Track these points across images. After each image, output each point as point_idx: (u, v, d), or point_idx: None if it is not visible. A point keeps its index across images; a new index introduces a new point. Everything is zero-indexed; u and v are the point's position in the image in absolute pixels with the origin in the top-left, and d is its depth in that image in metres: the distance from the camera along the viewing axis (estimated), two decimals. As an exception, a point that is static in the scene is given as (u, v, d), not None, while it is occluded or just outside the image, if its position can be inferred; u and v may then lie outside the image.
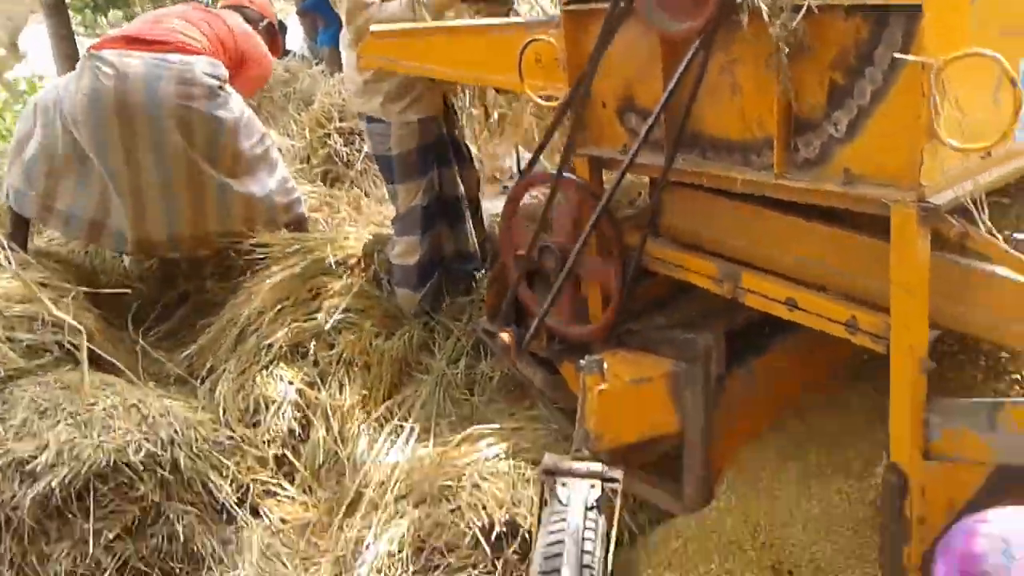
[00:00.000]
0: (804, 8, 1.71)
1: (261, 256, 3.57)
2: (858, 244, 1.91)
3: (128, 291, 3.72)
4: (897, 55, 1.64)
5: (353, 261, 3.47)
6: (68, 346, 3.03)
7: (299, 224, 3.84)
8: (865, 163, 1.77)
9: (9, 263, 3.17)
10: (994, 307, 1.74)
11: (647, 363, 2.32)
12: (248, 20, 3.99)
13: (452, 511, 2.44)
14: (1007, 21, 1.77)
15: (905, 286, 1.73)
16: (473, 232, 3.35)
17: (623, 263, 2.29)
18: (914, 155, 1.67)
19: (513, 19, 2.48)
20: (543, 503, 1.87)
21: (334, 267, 3.40)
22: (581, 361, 2.25)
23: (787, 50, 1.75)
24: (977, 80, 1.73)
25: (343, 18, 3.00)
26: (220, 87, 3.54)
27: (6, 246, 3.27)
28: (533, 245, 2.47)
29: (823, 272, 1.99)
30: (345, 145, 4.67)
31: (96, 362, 3.07)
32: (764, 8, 1.75)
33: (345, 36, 3.06)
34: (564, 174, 2.30)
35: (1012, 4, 1.78)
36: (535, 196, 2.59)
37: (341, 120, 4.75)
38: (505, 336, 2.64)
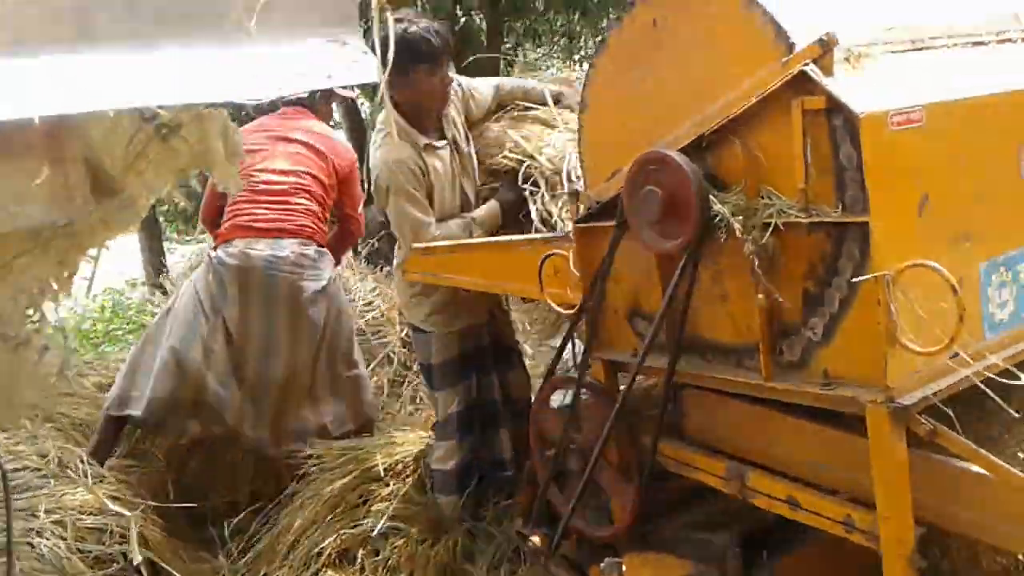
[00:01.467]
0: (771, 227, 2.00)
1: (314, 464, 3.88)
2: (851, 443, 2.06)
3: (195, 505, 4.04)
4: (849, 280, 1.88)
5: (401, 467, 3.73)
6: (131, 557, 3.33)
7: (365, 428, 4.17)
8: (841, 365, 1.97)
9: (85, 476, 3.58)
10: (978, 506, 1.84)
11: (667, 565, 2.43)
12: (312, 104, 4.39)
13: None
14: (960, 228, 1.99)
15: (886, 483, 1.86)
16: (509, 438, 3.56)
17: (640, 464, 2.47)
18: (879, 359, 1.86)
19: (534, 236, 2.83)
20: None
21: (383, 474, 3.65)
22: (601, 564, 2.38)
23: (759, 263, 2.02)
24: (940, 287, 1.95)
25: (402, 240, 3.43)
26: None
27: (85, 460, 3.70)
28: (561, 446, 2.68)
29: (823, 471, 2.13)
30: (403, 347, 5.06)
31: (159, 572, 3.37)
32: (737, 227, 2.04)
33: (398, 254, 3.50)
34: (584, 378, 2.55)
35: (964, 212, 2.01)
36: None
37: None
38: (536, 539, 2.79)
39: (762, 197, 2.04)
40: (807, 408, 2.13)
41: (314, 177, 4.13)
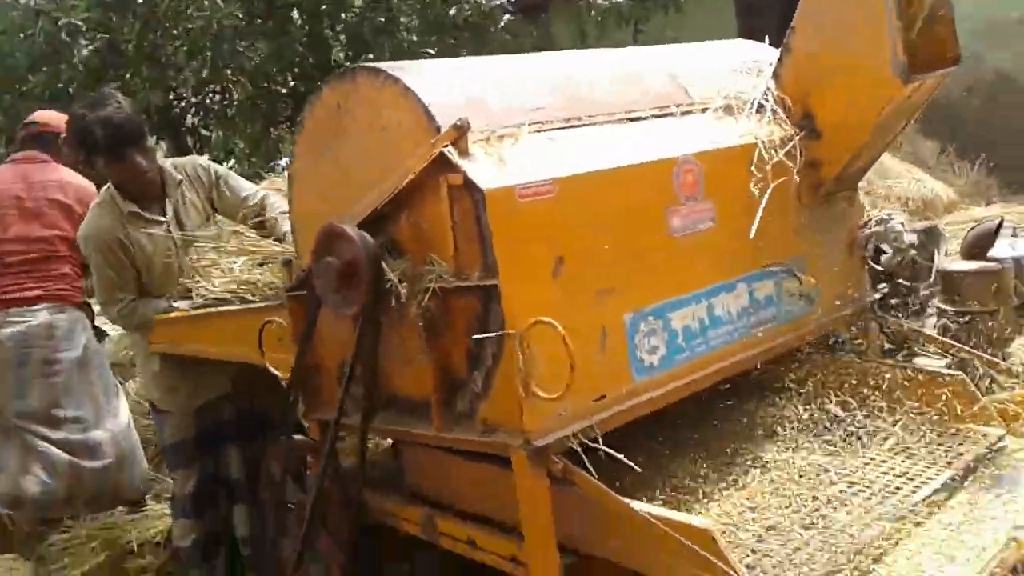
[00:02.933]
0: (429, 291, 2.23)
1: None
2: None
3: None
4: (479, 335, 2.12)
5: (161, 539, 3.77)
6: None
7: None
8: (495, 414, 2.20)
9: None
10: (618, 535, 2.08)
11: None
12: (51, 145, 4.31)
13: None
14: (602, 285, 2.27)
15: (530, 517, 2.09)
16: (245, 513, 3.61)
17: (343, 522, 2.62)
18: (516, 407, 2.10)
19: (254, 304, 2.99)
20: None
21: (136, 549, 3.68)
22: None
23: (425, 325, 2.25)
24: (586, 336, 2.21)
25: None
26: None
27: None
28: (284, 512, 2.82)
29: (502, 511, 2.34)
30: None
31: None
32: (403, 292, 2.26)
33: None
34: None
35: (605, 270, 2.28)
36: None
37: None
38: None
39: (427, 264, 2.27)
40: (491, 455, 2.34)
41: (63, 238, 4.18)
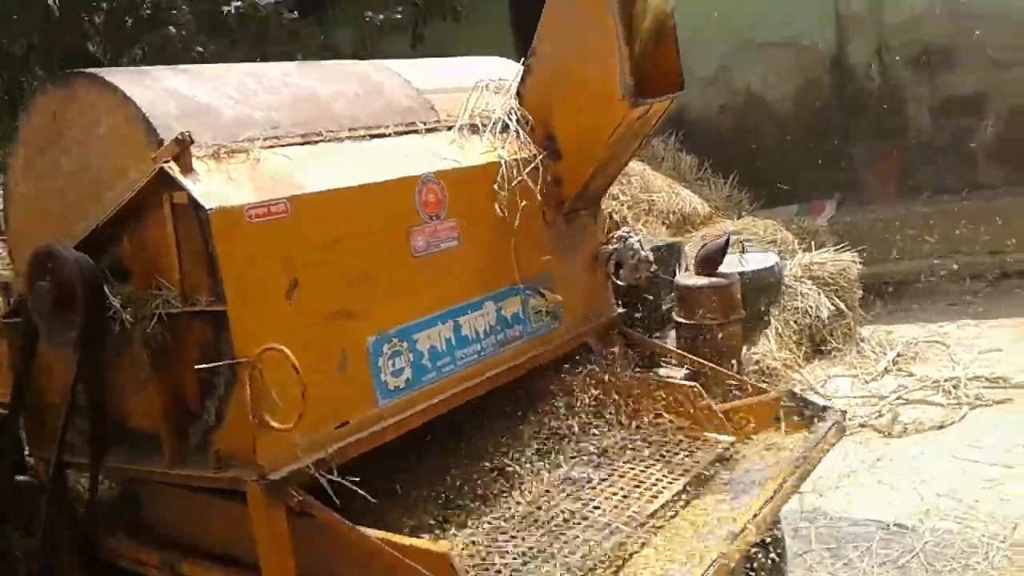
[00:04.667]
0: (155, 317, 2.11)
1: None
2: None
3: None
4: (205, 365, 2.04)
5: None
6: None
7: None
8: (229, 446, 2.11)
9: None
10: (363, 569, 2.06)
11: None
12: None
13: None
14: (340, 307, 2.24)
15: (267, 551, 2.03)
16: None
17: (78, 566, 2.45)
18: (250, 439, 2.03)
19: None
20: None
21: None
22: None
23: (153, 353, 2.13)
24: (324, 361, 2.17)
25: None
26: None
27: None
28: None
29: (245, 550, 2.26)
30: None
31: None
32: (127, 318, 2.13)
33: None
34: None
35: (344, 292, 2.26)
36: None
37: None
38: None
39: (154, 288, 2.16)
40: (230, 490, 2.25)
41: None
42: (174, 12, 8.35)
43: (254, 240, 2.08)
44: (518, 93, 2.92)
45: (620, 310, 3.16)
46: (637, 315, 3.25)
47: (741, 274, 3.33)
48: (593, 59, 2.71)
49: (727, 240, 3.18)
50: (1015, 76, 6.64)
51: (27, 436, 2.54)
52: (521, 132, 2.85)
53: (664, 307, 3.27)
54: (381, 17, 7.55)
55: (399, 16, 7.59)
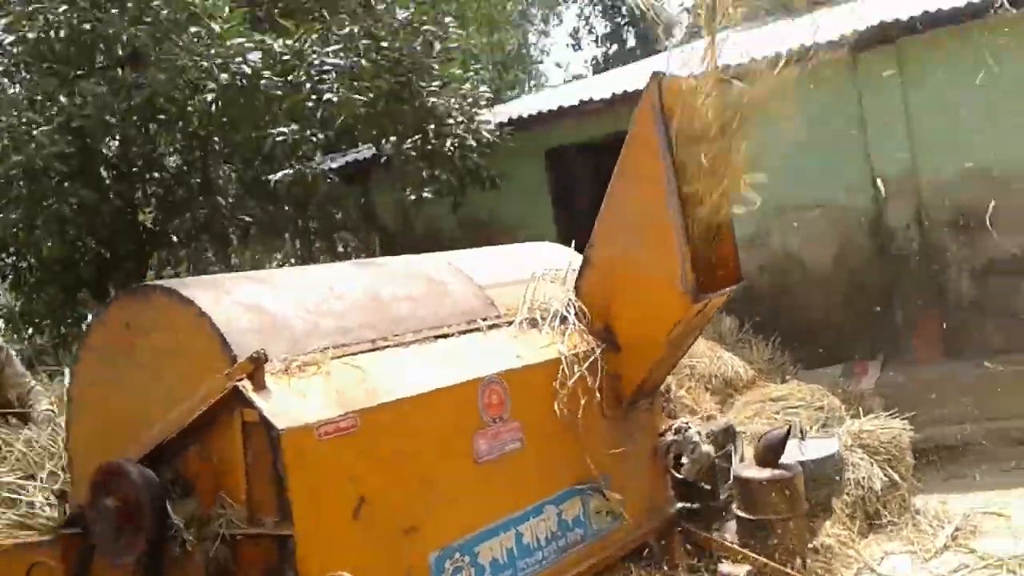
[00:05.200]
0: (219, 538, 2.08)
1: None
2: None
3: None
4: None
5: None
6: None
7: None
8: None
9: None
10: None
11: None
12: None
13: None
14: (405, 523, 2.20)
15: None
16: None
17: None
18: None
19: (19, 540, 2.68)
20: None
21: None
22: None
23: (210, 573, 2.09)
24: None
25: None
26: None
27: None
28: None
29: None
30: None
31: None
32: (189, 538, 2.10)
33: None
34: None
35: (408, 507, 2.22)
36: None
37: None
38: None
39: (218, 505, 2.14)
40: None
41: None
42: (221, 181, 8.73)
43: (323, 458, 2.07)
44: (576, 286, 2.95)
45: (678, 504, 3.08)
46: (695, 506, 3.15)
47: (802, 463, 3.25)
48: (653, 254, 2.75)
49: (788, 430, 3.12)
50: (1055, 237, 6.68)
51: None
52: (580, 325, 2.86)
53: (722, 497, 3.18)
54: (416, 195, 7.84)
55: (431, 195, 7.86)
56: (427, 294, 2.76)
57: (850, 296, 7.37)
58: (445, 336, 2.63)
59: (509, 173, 8.42)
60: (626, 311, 2.88)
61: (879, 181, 7.08)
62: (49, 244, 7.97)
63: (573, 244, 3.39)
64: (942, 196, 7.02)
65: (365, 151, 9.67)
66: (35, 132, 6.59)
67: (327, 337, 2.34)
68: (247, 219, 8.28)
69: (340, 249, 10.47)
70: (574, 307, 2.92)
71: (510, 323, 2.82)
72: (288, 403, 2.08)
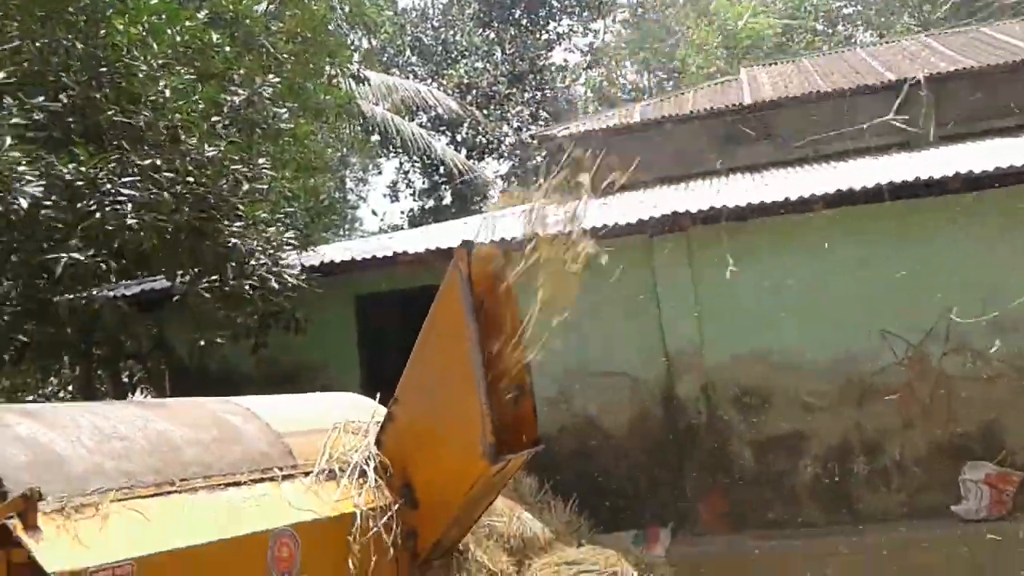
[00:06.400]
0: None
1: None
2: None
3: None
4: None
5: None
6: None
7: None
8: None
9: None
10: None
11: None
12: None
13: None
14: None
15: None
16: None
17: None
18: None
19: None
20: None
21: None
22: None
23: None
24: None
25: None
26: None
27: None
28: None
29: None
30: None
31: None
32: None
33: None
34: None
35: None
36: None
37: None
38: None
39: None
40: None
41: None
42: (-3, 297, 8.20)
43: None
44: (378, 440, 3.02)
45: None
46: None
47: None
48: (455, 413, 2.89)
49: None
50: (825, 420, 7.42)
51: None
52: (378, 480, 2.92)
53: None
54: (208, 340, 7.64)
55: (223, 342, 7.69)
56: (219, 439, 2.74)
57: (644, 462, 7.81)
58: (237, 484, 2.60)
59: (316, 316, 8.44)
60: (426, 468, 2.97)
61: (669, 355, 7.71)
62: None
63: (379, 394, 3.47)
64: (726, 374, 7.70)
65: (160, 280, 9.42)
66: None
67: (108, 479, 2.28)
68: (23, 339, 7.75)
69: (125, 379, 9.93)
70: (374, 460, 2.98)
71: (307, 473, 2.83)
72: (61, 545, 2.00)
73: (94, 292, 7.56)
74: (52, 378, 10.63)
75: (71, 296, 7.51)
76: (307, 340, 8.61)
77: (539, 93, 24.53)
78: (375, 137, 20.49)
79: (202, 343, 7.64)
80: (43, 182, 5.92)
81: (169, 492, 2.39)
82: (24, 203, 5.75)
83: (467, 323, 2.88)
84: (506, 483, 3.10)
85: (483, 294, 3.00)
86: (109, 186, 6.37)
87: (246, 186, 7.30)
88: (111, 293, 8.11)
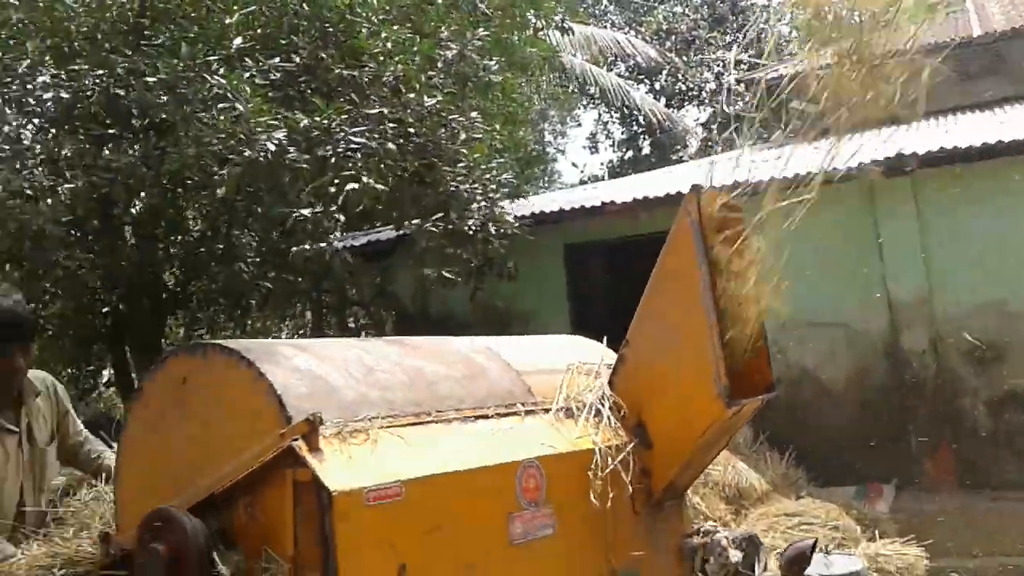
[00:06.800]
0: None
1: None
2: None
3: None
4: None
5: None
6: None
7: None
8: None
9: None
10: None
11: None
12: None
13: None
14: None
15: None
16: None
17: None
18: None
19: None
20: None
21: None
22: None
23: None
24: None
25: None
26: None
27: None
28: None
29: None
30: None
31: None
32: (231, 591, 2.18)
33: None
34: None
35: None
36: None
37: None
38: None
39: (263, 560, 2.22)
40: None
41: None
42: (241, 248, 8.96)
43: (370, 523, 2.16)
44: (611, 380, 3.08)
45: (700, 608, 3.14)
46: (713, 611, 3.20)
47: (827, 578, 3.32)
48: (688, 356, 2.89)
49: (815, 544, 3.20)
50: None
51: None
52: (613, 419, 2.98)
53: (742, 605, 3.23)
54: (437, 274, 8.00)
55: (452, 277, 8.03)
56: (467, 375, 2.89)
57: (865, 417, 7.51)
58: (485, 417, 2.75)
59: (526, 265, 8.64)
60: (659, 410, 2.99)
61: (893, 305, 7.33)
62: (58, 301, 8.09)
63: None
64: (958, 326, 7.23)
65: (385, 232, 9.93)
66: (60, 190, 6.80)
67: (375, 407, 2.46)
68: (267, 286, 8.46)
69: (351, 325, 10.62)
70: (608, 400, 3.04)
71: (546, 410, 2.94)
72: (339, 467, 2.19)
73: (324, 245, 8.10)
74: (287, 322, 11.52)
75: (305, 248, 8.09)
76: (518, 288, 8.85)
77: (741, 36, 23.60)
78: (574, 88, 20.51)
79: (432, 275, 7.99)
80: (284, 131, 6.38)
81: (427, 422, 2.56)
82: (272, 147, 6.22)
83: (698, 266, 2.86)
84: (740, 428, 3.09)
85: (712, 238, 2.97)
86: (341, 136, 6.80)
87: (463, 135, 7.56)
88: (339, 245, 8.66)
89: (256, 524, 2.27)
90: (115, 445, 3.30)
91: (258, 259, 8.82)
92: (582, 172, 25.74)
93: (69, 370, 8.75)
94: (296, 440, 2.18)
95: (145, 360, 8.79)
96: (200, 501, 2.33)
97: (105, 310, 8.29)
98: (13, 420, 3.24)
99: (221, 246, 8.68)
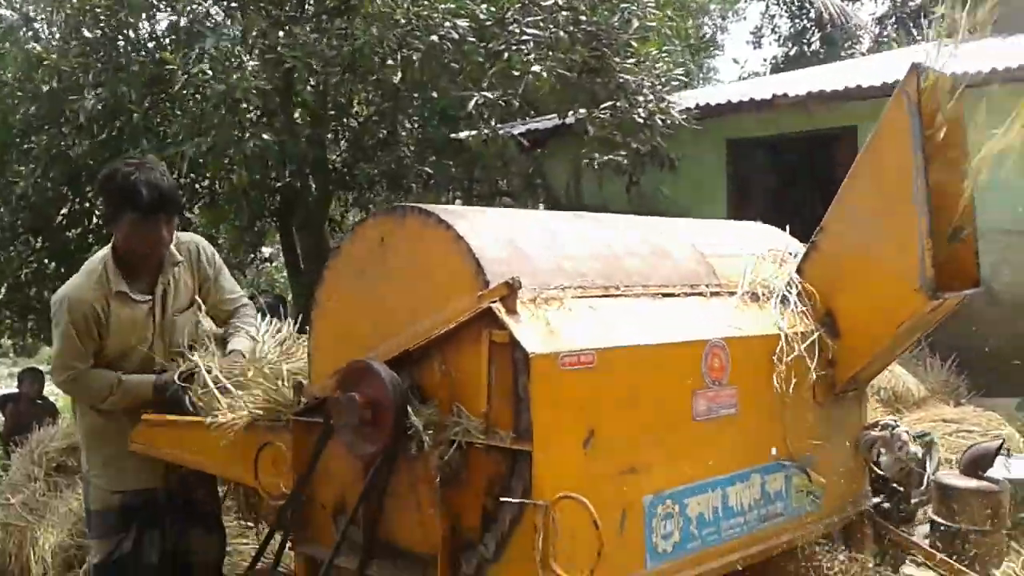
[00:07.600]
0: (455, 444, 2.19)
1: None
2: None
3: None
4: (506, 499, 2.08)
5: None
6: None
7: None
8: (506, 584, 2.13)
9: None
10: None
11: None
12: None
13: None
14: (627, 462, 2.26)
15: None
16: None
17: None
18: (532, 584, 2.04)
19: (256, 422, 2.86)
20: None
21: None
22: None
23: (443, 478, 2.20)
24: (608, 516, 2.17)
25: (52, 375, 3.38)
26: None
27: None
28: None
29: None
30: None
31: None
32: (427, 441, 2.22)
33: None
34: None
35: (631, 447, 2.28)
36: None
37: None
38: None
39: (453, 414, 2.25)
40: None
41: None
42: (405, 133, 9.02)
43: (563, 387, 2.14)
44: (800, 268, 2.92)
45: (874, 500, 3.02)
46: (885, 505, 3.08)
47: (1012, 481, 3.12)
48: (891, 247, 2.70)
49: (1001, 444, 3.01)
50: None
51: (293, 532, 2.65)
52: (800, 306, 2.83)
53: (913, 501, 3.10)
54: (603, 159, 7.82)
55: (621, 159, 7.83)
56: (653, 253, 2.80)
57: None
58: (671, 295, 2.66)
59: (687, 158, 8.34)
60: (851, 299, 2.83)
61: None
62: (241, 173, 8.35)
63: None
64: None
65: (545, 121, 9.77)
66: (246, 64, 6.93)
67: (567, 277, 2.41)
68: (427, 171, 8.53)
69: (502, 214, 10.60)
70: (796, 287, 2.89)
71: (731, 294, 2.82)
72: (535, 330, 2.17)
73: (491, 131, 7.99)
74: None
75: (471, 133, 8.05)
76: (676, 180, 8.58)
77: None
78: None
79: (593, 167, 7.81)
80: (467, 19, 6.29)
81: (616, 295, 2.49)
82: (456, 35, 6.15)
83: (913, 151, 2.63)
84: (937, 323, 2.88)
85: (929, 124, 2.71)
86: (514, 26, 6.65)
87: (635, 23, 7.25)
88: (509, 131, 8.58)
89: (449, 381, 2.29)
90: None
91: (416, 146, 8.86)
92: (742, 68, 24.50)
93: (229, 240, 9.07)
94: (495, 302, 2.16)
95: (309, 239, 9.11)
96: (395, 356, 2.37)
97: (278, 185, 8.52)
98: (147, 290, 3.31)
99: (387, 130, 8.76)
